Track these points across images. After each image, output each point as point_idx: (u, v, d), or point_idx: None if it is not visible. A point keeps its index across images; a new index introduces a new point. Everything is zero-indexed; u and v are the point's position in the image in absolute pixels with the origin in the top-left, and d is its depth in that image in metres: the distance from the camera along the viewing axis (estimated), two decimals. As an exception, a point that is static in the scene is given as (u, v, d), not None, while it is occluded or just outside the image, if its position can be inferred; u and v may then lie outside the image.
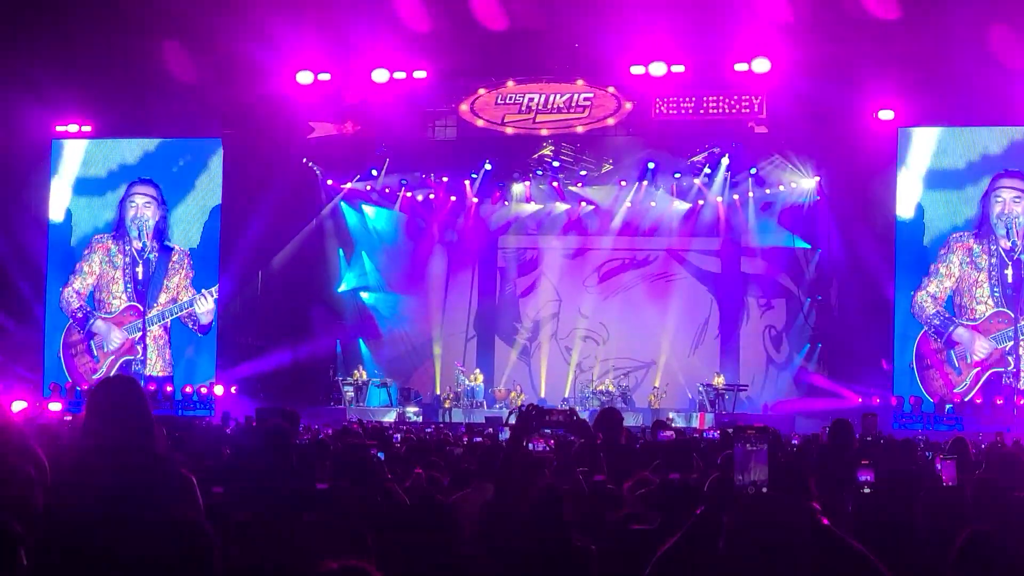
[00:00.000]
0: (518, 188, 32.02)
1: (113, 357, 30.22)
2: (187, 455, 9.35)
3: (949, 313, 27.43)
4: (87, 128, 30.51)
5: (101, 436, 4.98)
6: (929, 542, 6.20)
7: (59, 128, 30.49)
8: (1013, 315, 26.98)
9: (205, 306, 29.95)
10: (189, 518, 3.95)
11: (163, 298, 30.30)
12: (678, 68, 27.53)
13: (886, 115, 27.32)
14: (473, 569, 6.18)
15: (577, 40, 27.98)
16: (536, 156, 30.94)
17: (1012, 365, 26.92)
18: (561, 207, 32.58)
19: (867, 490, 7.22)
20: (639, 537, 6.10)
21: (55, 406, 24.14)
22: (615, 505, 6.92)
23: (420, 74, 28.72)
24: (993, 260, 27.31)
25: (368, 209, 32.79)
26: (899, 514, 6.87)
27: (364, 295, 33.63)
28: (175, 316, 30.15)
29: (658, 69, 27.46)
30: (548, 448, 8.22)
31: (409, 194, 32.23)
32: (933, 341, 27.47)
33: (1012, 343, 26.97)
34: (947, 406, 26.84)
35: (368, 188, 31.98)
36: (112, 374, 28.63)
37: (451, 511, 7.31)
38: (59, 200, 30.82)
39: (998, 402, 26.59)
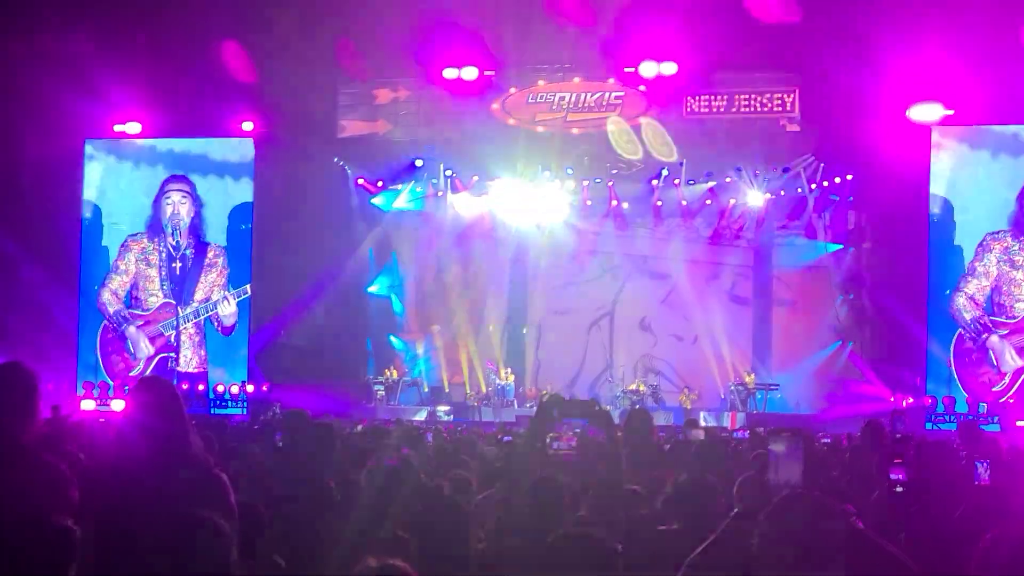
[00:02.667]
0: (548, 186, 31.91)
1: (149, 355, 30.37)
2: (219, 455, 9.38)
3: (988, 316, 27.12)
4: (113, 128, 30.64)
5: (135, 436, 5.04)
6: (964, 542, 6.15)
7: (89, 128, 30.66)
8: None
9: (228, 308, 30.06)
10: (208, 516, 3.98)
11: (199, 295, 30.44)
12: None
13: (919, 112, 27.13)
14: (491, 568, 6.17)
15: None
16: (567, 154, 30.88)
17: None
18: (590, 206, 32.47)
19: (899, 489, 7.18)
20: (666, 537, 6.08)
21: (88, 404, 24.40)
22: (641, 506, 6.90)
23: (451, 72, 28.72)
24: (1032, 258, 27.06)
25: (400, 204, 32.75)
26: (933, 514, 6.83)
27: (394, 297, 33.69)
28: (204, 316, 30.28)
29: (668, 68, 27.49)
30: (571, 448, 8.18)
31: (440, 193, 32.24)
32: (970, 340, 27.25)
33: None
34: (981, 405, 26.63)
35: (399, 187, 32.03)
36: (148, 373, 28.86)
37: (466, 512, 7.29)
38: (91, 199, 31.03)
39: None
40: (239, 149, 30.50)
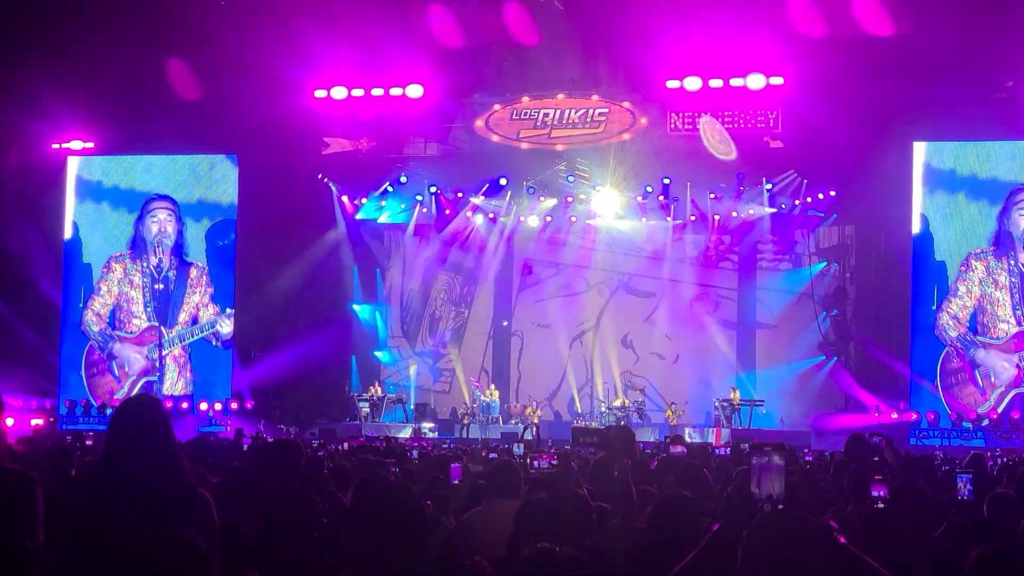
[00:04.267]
0: (533, 203, 31.94)
1: (134, 378, 30.27)
2: (199, 472, 9.34)
3: (972, 334, 27.20)
4: (96, 145, 30.61)
5: (121, 455, 5.02)
6: (944, 557, 6.17)
7: (73, 145, 30.63)
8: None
9: (229, 326, 30.07)
10: (185, 535, 3.96)
11: (183, 317, 30.36)
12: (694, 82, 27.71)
13: (900, 130, 27.31)
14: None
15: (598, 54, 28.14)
16: (551, 171, 30.93)
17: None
18: (575, 222, 32.50)
19: (880, 505, 7.19)
20: (647, 553, 6.08)
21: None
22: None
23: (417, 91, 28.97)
24: (1014, 279, 27.11)
25: (384, 220, 32.75)
26: (913, 529, 6.84)
27: (378, 316, 33.63)
28: (196, 337, 30.20)
29: (692, 84, 27.71)
30: (551, 465, 8.21)
31: (425, 210, 32.26)
32: (955, 360, 27.31)
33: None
34: (964, 423, 26.70)
35: (383, 203, 32.04)
36: (134, 393, 28.72)
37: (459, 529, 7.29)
38: (73, 216, 30.97)
39: (1014, 417, 26.46)
40: (222, 167, 30.49)
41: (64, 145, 30.59)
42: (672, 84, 27.90)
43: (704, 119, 28.66)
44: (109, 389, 30.23)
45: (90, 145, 30.69)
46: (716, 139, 28.72)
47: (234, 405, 29.21)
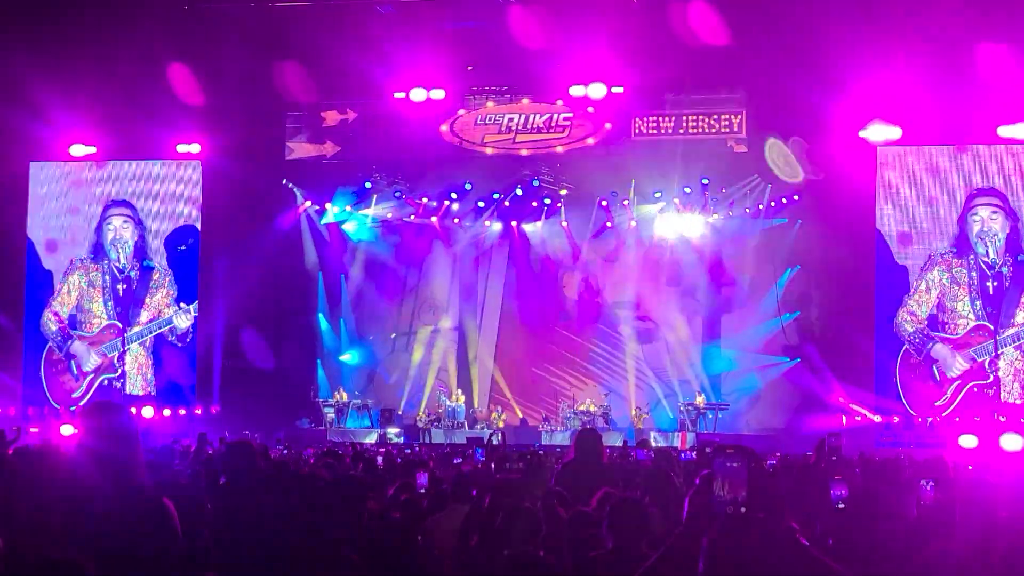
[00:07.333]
0: (499, 208, 31.96)
1: (92, 376, 30.14)
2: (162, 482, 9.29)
3: (930, 330, 27.59)
4: (64, 150, 30.40)
5: (84, 462, 4.98)
6: (905, 560, 6.21)
7: (35, 151, 30.41)
8: (992, 327, 27.13)
9: (187, 321, 29.95)
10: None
11: (144, 316, 30.26)
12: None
13: (867, 133, 27.53)
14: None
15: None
16: (516, 176, 30.97)
17: (991, 377, 27.10)
18: (541, 226, 32.54)
19: (841, 506, 7.20)
20: (606, 557, 6.09)
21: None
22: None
23: (399, 95, 28.99)
24: (974, 274, 27.52)
25: (349, 226, 32.69)
26: (874, 532, 6.88)
27: (342, 323, 33.50)
28: (155, 332, 30.08)
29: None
30: (516, 469, 8.22)
31: (390, 215, 32.22)
32: (914, 356, 27.67)
33: (990, 357, 27.11)
34: (928, 419, 26.95)
35: (348, 208, 31.97)
36: (95, 396, 28.60)
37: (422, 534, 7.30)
38: (35, 222, 30.79)
39: (976, 419, 26.72)
40: (185, 170, 30.36)
41: (34, 151, 30.34)
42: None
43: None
44: (68, 388, 30.10)
45: (65, 150, 30.42)
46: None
47: (198, 411, 29.04)
